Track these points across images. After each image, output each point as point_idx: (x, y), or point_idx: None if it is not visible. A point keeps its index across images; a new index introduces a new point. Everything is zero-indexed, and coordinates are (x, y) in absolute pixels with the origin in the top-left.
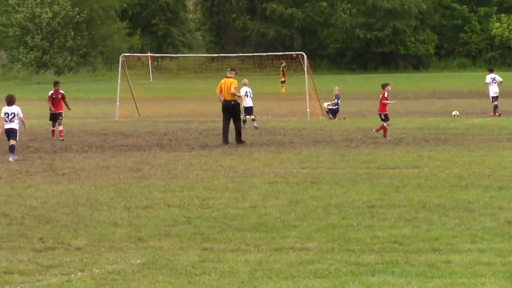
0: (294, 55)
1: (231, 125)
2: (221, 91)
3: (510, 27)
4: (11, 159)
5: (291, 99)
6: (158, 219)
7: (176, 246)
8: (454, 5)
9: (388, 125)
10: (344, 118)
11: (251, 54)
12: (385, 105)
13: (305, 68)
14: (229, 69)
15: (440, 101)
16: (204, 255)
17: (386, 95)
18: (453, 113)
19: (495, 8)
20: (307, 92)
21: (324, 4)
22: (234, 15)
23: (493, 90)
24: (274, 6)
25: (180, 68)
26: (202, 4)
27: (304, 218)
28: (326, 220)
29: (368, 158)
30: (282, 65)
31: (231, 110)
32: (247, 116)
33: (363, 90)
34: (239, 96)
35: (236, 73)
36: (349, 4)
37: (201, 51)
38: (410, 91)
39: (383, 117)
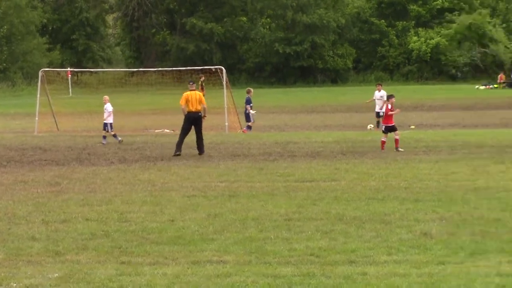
0: (213, 69)
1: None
2: (186, 102)
3: (428, 41)
4: None
5: (210, 113)
6: (76, 233)
7: (93, 259)
8: (373, 19)
9: (397, 135)
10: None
11: (171, 69)
12: (390, 116)
13: (224, 82)
14: (190, 82)
15: (358, 114)
16: (122, 269)
17: (390, 107)
18: (368, 126)
19: (413, 22)
20: (225, 106)
21: (244, 19)
22: (153, 30)
23: (380, 106)
24: (194, 21)
25: (99, 83)
26: (121, 19)
27: (221, 231)
28: (244, 233)
29: (285, 172)
30: (201, 80)
31: (196, 121)
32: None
33: (281, 104)
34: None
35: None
36: (268, 19)
37: (120, 65)
38: (328, 105)
39: (390, 129)
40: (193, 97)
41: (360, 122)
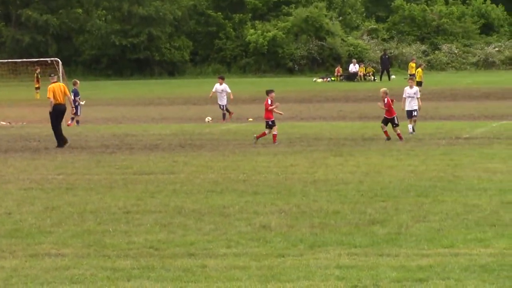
0: (49, 61)
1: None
2: (54, 95)
3: (265, 33)
4: None
5: (46, 105)
6: None
7: None
8: (209, 12)
9: (275, 131)
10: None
11: (6, 61)
12: (270, 111)
13: (60, 75)
14: (52, 75)
15: (195, 107)
16: None
17: (269, 102)
18: (206, 119)
19: (250, 15)
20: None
21: (79, 10)
22: None
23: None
24: (29, 13)
25: None
26: None
27: (59, 224)
28: (82, 226)
29: (124, 164)
30: (37, 72)
31: (63, 113)
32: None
33: (118, 96)
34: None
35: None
36: (104, 11)
37: None
38: (165, 97)
39: (270, 123)
40: (59, 89)
41: (197, 114)
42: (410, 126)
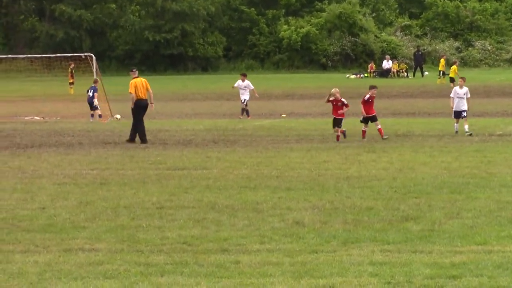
0: (83, 57)
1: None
2: (135, 90)
3: (298, 29)
4: None
5: (80, 101)
6: None
7: None
8: (243, 7)
9: (378, 125)
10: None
11: (40, 56)
12: (370, 106)
13: (94, 70)
14: (133, 70)
15: (229, 102)
16: None
17: (367, 98)
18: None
19: (283, 11)
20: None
21: (113, 6)
22: (22, 17)
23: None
24: (63, 8)
25: None
26: None
27: (93, 219)
28: (116, 221)
29: (157, 159)
30: (71, 67)
31: (145, 108)
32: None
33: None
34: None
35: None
36: (138, 6)
37: None
38: (199, 93)
39: (369, 118)
40: (141, 84)
41: (231, 110)
42: (466, 127)
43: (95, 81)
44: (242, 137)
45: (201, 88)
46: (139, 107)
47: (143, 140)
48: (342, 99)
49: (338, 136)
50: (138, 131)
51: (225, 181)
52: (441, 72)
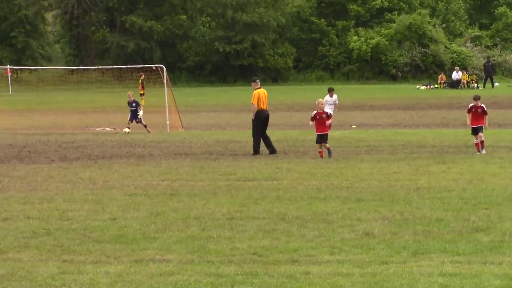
0: (154, 68)
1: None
2: (258, 101)
3: (368, 40)
4: None
5: (151, 112)
6: (18, 231)
7: (35, 258)
8: (313, 18)
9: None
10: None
11: (111, 67)
12: (479, 117)
13: (165, 81)
14: (256, 80)
15: (299, 113)
16: (64, 267)
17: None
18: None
19: (353, 22)
20: (166, 104)
21: (183, 17)
22: (93, 28)
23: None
24: (134, 19)
25: (39, 81)
26: (61, 17)
27: (164, 230)
28: (186, 232)
29: (227, 170)
30: (141, 78)
31: (267, 119)
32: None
33: (222, 103)
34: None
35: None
36: (208, 18)
37: (60, 63)
38: (269, 104)
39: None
40: (264, 94)
41: (301, 121)
42: None
43: (129, 95)
44: (312, 148)
45: (271, 99)
46: (260, 118)
47: (256, 151)
48: (326, 111)
49: (321, 152)
50: (257, 142)
51: (295, 192)
52: None
